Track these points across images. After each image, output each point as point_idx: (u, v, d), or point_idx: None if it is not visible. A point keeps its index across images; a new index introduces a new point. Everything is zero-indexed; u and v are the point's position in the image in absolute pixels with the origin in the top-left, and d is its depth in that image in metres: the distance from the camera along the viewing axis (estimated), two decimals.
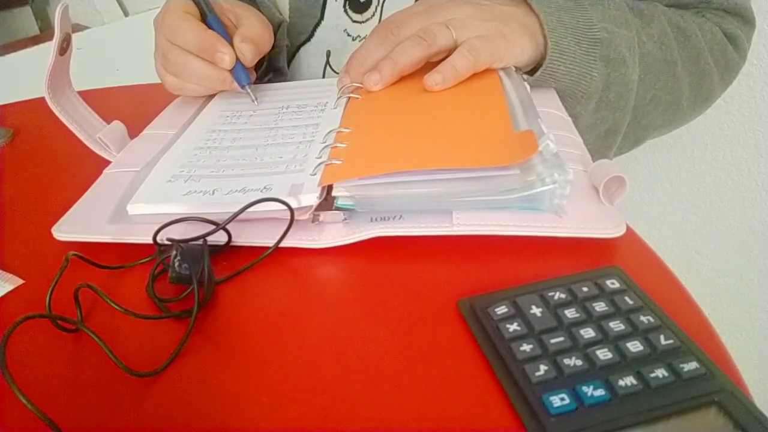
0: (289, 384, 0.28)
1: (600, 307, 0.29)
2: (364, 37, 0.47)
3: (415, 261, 0.35)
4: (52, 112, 0.45)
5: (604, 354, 0.26)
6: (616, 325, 0.28)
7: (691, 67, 0.52)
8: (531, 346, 0.27)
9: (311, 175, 0.38)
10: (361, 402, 0.27)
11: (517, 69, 0.46)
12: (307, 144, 0.43)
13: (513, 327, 0.28)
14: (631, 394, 0.25)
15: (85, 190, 0.42)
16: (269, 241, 0.36)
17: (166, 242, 0.34)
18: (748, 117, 0.78)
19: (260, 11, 0.56)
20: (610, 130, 0.52)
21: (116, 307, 0.31)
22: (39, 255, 0.38)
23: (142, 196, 0.39)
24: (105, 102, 0.52)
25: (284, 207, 0.35)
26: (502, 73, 0.44)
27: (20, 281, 0.36)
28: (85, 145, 0.47)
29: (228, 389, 0.28)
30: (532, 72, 0.47)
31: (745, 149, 0.80)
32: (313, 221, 0.37)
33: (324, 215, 0.36)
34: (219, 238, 0.35)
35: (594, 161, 0.38)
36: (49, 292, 0.32)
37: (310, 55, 0.61)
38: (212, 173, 0.41)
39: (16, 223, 0.43)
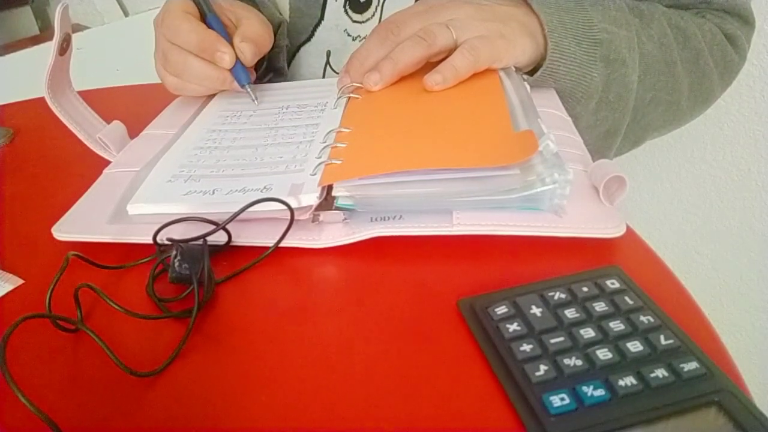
0: (289, 384, 0.28)
1: (600, 307, 0.29)
2: (365, 37, 0.47)
3: (415, 261, 0.35)
4: (52, 112, 0.45)
5: (604, 354, 0.26)
6: (616, 325, 0.28)
7: (691, 68, 0.52)
8: (531, 346, 0.27)
9: (311, 175, 0.38)
10: (361, 402, 0.27)
11: (517, 69, 0.46)
12: (307, 144, 0.43)
13: (513, 327, 0.28)
14: (631, 394, 0.25)
15: (85, 190, 0.42)
16: (269, 241, 0.36)
17: (166, 242, 0.34)
18: (748, 117, 0.78)
19: (260, 11, 0.56)
20: (609, 131, 0.52)
21: (116, 307, 0.31)
22: (39, 255, 0.38)
23: (142, 196, 0.39)
24: (105, 102, 0.52)
25: (284, 207, 0.35)
26: (502, 73, 0.44)
27: (20, 281, 0.36)
28: (85, 145, 0.47)
29: (228, 389, 0.28)
30: (532, 72, 0.47)
31: (745, 149, 0.81)
32: (313, 221, 0.37)
33: (324, 215, 0.36)
34: (219, 238, 0.35)
35: (594, 161, 0.38)
36: (49, 292, 0.32)
37: (311, 55, 0.61)
38: (212, 173, 0.41)
39: (16, 223, 0.43)
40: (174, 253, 0.33)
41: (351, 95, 0.46)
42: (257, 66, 0.56)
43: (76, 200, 0.41)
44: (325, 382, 0.28)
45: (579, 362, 0.26)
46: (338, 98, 0.48)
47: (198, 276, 0.32)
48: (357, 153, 0.39)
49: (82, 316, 0.32)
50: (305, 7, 0.59)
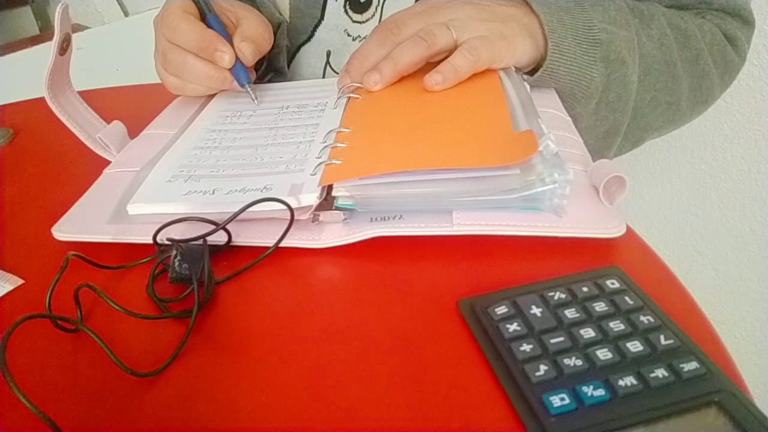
0: (289, 384, 0.28)
1: (600, 307, 0.29)
2: (365, 38, 0.47)
3: (415, 261, 0.35)
4: (52, 112, 0.45)
5: (604, 354, 0.26)
6: (616, 325, 0.28)
7: (691, 68, 0.52)
8: (531, 346, 0.27)
9: (311, 175, 0.38)
10: (361, 401, 0.27)
11: (517, 69, 0.46)
12: (307, 144, 0.43)
13: (513, 327, 0.28)
14: (631, 394, 0.25)
15: (85, 190, 0.42)
16: (269, 241, 0.36)
17: (166, 242, 0.34)
18: (748, 117, 0.78)
19: (260, 11, 0.56)
20: (609, 131, 0.52)
21: (116, 307, 0.31)
22: (39, 255, 0.38)
23: (142, 196, 0.39)
24: (105, 102, 0.52)
25: (284, 207, 0.35)
26: (502, 74, 0.44)
27: (20, 281, 0.36)
28: (85, 145, 0.47)
29: (228, 389, 0.28)
30: (532, 72, 0.47)
31: (745, 149, 0.81)
32: (313, 221, 0.37)
33: (324, 215, 0.36)
34: (219, 238, 0.35)
35: (594, 161, 0.38)
36: (49, 292, 0.32)
37: (311, 55, 0.61)
38: (212, 173, 0.41)
39: (16, 223, 0.43)
40: (174, 253, 0.33)
41: (351, 95, 0.46)
42: (257, 66, 0.56)
43: (76, 200, 0.41)
44: (324, 382, 0.28)
45: (579, 362, 0.26)
46: (338, 98, 0.48)
47: (198, 276, 0.32)
48: (357, 153, 0.39)
49: (82, 316, 0.32)
50: (305, 7, 0.59)
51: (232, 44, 0.49)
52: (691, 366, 0.25)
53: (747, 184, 0.83)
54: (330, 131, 0.42)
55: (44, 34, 1.71)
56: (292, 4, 0.60)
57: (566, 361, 0.26)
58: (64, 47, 0.44)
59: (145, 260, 0.36)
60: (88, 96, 0.48)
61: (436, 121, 0.40)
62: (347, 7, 0.57)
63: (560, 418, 0.24)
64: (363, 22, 0.57)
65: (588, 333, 0.27)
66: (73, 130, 0.46)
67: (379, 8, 0.56)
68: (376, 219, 0.36)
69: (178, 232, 0.35)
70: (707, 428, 0.24)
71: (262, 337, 0.31)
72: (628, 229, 0.34)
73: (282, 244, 0.36)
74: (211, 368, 0.29)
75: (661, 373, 0.25)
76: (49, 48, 0.43)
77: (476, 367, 0.28)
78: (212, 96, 0.55)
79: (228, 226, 0.35)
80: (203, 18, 0.50)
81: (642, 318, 0.28)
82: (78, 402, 0.28)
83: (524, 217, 0.34)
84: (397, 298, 0.32)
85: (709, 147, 0.83)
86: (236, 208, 0.35)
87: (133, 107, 0.60)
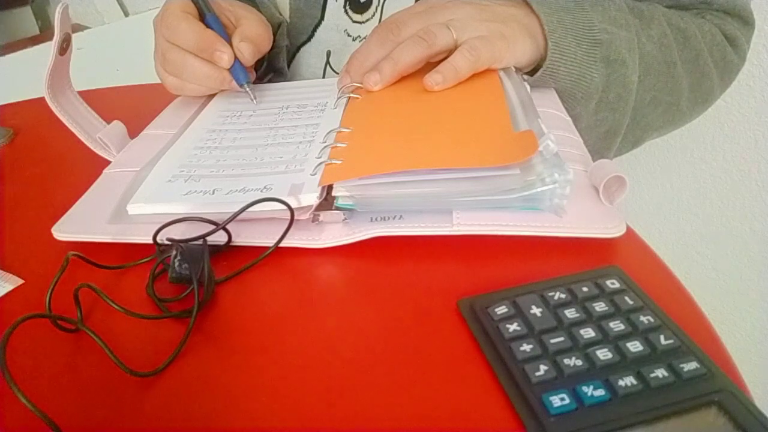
0: (289, 384, 0.28)
1: (600, 307, 0.29)
2: (365, 38, 0.47)
3: (415, 261, 0.35)
4: (52, 112, 0.45)
5: (604, 354, 0.26)
6: (616, 325, 0.28)
7: (691, 68, 0.52)
8: (531, 346, 0.27)
9: (311, 175, 0.38)
10: (361, 402, 0.27)
11: (517, 69, 0.46)
12: (307, 144, 0.43)
13: (513, 327, 0.28)
14: (631, 394, 0.25)
15: (85, 190, 0.42)
16: (269, 241, 0.36)
17: (166, 242, 0.34)
18: (748, 117, 0.78)
19: (260, 11, 0.56)
20: (609, 131, 0.52)
21: (116, 307, 0.31)
22: (39, 255, 0.38)
23: (142, 196, 0.39)
24: (105, 102, 0.52)
25: (284, 207, 0.35)
26: (502, 74, 0.44)
27: (20, 281, 0.36)
28: (85, 145, 0.47)
29: (228, 389, 0.28)
30: (532, 72, 0.47)
31: (745, 149, 0.81)
32: (313, 221, 0.37)
33: (324, 215, 0.36)
34: (219, 238, 0.35)
35: (594, 161, 0.38)
36: (49, 292, 0.32)
37: (311, 55, 0.61)
38: (212, 173, 0.41)
39: (16, 223, 0.43)
40: (174, 253, 0.33)
41: (351, 95, 0.46)
42: (257, 66, 0.56)
43: (76, 200, 0.41)
44: (324, 382, 0.28)
45: (579, 362, 0.26)
46: (338, 98, 0.48)
47: (198, 276, 0.32)
48: (357, 153, 0.39)
49: (82, 316, 0.32)
50: (305, 8, 0.59)
51: (231, 44, 0.49)
52: (691, 366, 0.25)
53: (747, 184, 0.83)
54: (330, 131, 0.42)
55: (44, 34, 1.71)
56: (292, 4, 0.60)
57: (566, 361, 0.26)
58: (64, 47, 0.44)
59: (145, 260, 0.36)
60: (88, 96, 0.48)
61: (436, 121, 0.40)
62: (347, 7, 0.57)
63: (560, 418, 0.24)
64: (363, 22, 0.57)
65: (588, 333, 0.27)
66: (73, 130, 0.46)
67: (379, 8, 0.56)
68: (376, 219, 0.36)
69: (178, 232, 0.35)
70: (707, 428, 0.24)
71: (262, 337, 0.31)
72: (628, 229, 0.34)
73: (282, 244, 0.36)
74: (211, 368, 0.29)
75: (661, 373, 0.25)
76: (49, 48, 0.43)
77: (476, 367, 0.28)
78: (212, 96, 0.55)
79: (228, 226, 0.35)
80: (202, 18, 0.50)
81: (642, 318, 0.28)
82: (78, 402, 0.28)
83: (524, 217, 0.34)
84: (397, 298, 0.32)
85: (709, 147, 0.83)
86: (236, 208, 0.35)
87: (133, 107, 0.60)
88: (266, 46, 0.52)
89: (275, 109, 0.51)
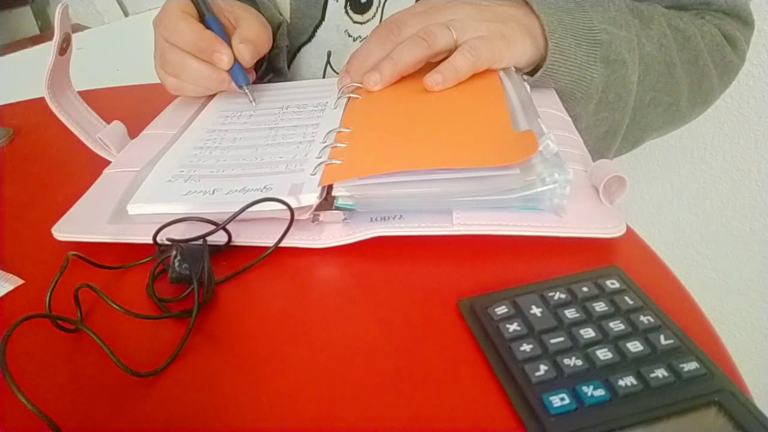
0: (289, 384, 0.28)
1: (600, 307, 0.29)
2: (365, 38, 0.47)
3: (415, 261, 0.35)
4: (52, 112, 0.45)
5: (604, 354, 0.26)
6: (616, 325, 0.28)
7: (690, 69, 0.52)
8: (531, 346, 0.27)
9: (311, 174, 0.38)
10: (361, 402, 0.27)
11: (517, 70, 0.46)
12: (307, 144, 0.43)
13: (513, 327, 0.28)
14: (631, 394, 0.25)
15: (85, 190, 0.42)
16: (269, 241, 0.36)
17: (166, 242, 0.34)
18: (748, 117, 0.78)
19: (260, 12, 0.56)
20: (609, 131, 0.52)
21: (116, 307, 0.31)
22: (39, 255, 0.38)
23: (142, 196, 0.39)
24: (105, 102, 0.52)
25: (284, 207, 0.35)
26: (502, 74, 0.44)
27: (20, 281, 0.36)
28: (85, 145, 0.47)
29: (228, 389, 0.28)
30: (532, 73, 0.47)
31: (745, 149, 0.81)
32: (313, 221, 0.37)
33: (324, 215, 0.36)
34: (219, 238, 0.35)
35: (594, 162, 0.38)
36: (49, 292, 0.32)
37: (311, 55, 0.61)
38: (212, 173, 0.41)
39: (16, 223, 0.43)
40: (174, 253, 0.33)
41: (351, 95, 0.46)
42: (257, 66, 0.56)
43: (76, 200, 0.41)
44: (324, 382, 0.28)
45: (579, 362, 0.26)
46: (338, 98, 0.48)
47: (198, 276, 0.32)
48: (357, 153, 0.39)
49: (82, 316, 0.32)
50: (306, 8, 0.59)
51: (230, 45, 0.49)
52: (691, 366, 0.26)
53: (747, 184, 0.83)
54: (330, 131, 0.42)
55: (44, 34, 1.71)
56: (293, 5, 0.60)
57: (566, 361, 0.26)
58: (64, 47, 0.44)
59: (145, 260, 0.36)
60: (88, 96, 0.48)
61: (436, 121, 0.40)
62: (348, 7, 0.57)
63: (560, 418, 0.24)
64: (364, 22, 0.57)
65: (588, 333, 0.27)
66: (73, 130, 0.46)
67: (380, 9, 0.56)
68: (376, 219, 0.36)
69: (178, 232, 0.35)
70: (707, 428, 0.24)
71: (262, 337, 0.31)
72: (628, 229, 0.34)
73: (282, 244, 0.36)
74: (211, 368, 0.29)
75: (661, 373, 0.25)
76: (49, 48, 0.43)
77: (476, 367, 0.28)
78: (212, 96, 0.55)
79: (228, 226, 0.35)
80: (202, 18, 0.50)
81: (642, 318, 0.28)
82: (78, 402, 0.28)
83: (524, 217, 0.34)
84: (397, 298, 0.32)
85: (709, 147, 0.83)
86: (236, 208, 0.35)
87: (133, 107, 0.60)
88: (266, 48, 0.52)
89: (275, 109, 0.51)
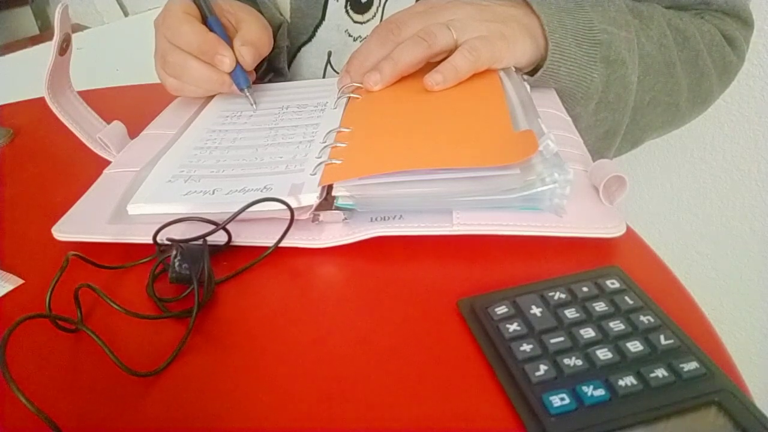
0: (289, 384, 0.28)
1: (600, 307, 0.29)
2: (366, 38, 0.47)
3: (415, 261, 0.35)
4: (52, 112, 0.45)
5: (604, 354, 0.26)
6: (616, 325, 0.28)
7: (690, 69, 0.52)
8: (531, 346, 0.27)
9: (311, 174, 0.38)
10: (361, 402, 0.27)
11: (518, 70, 0.46)
12: (307, 144, 0.43)
13: (513, 327, 0.28)
14: (631, 394, 0.25)
15: (85, 190, 0.42)
16: (269, 241, 0.36)
17: (166, 242, 0.34)
18: (748, 117, 0.78)
19: (261, 12, 0.56)
20: (609, 131, 0.52)
21: (116, 307, 0.31)
22: (39, 255, 0.38)
23: (142, 196, 0.39)
24: (105, 102, 0.52)
25: (284, 207, 0.35)
26: (502, 74, 0.44)
27: (20, 281, 0.36)
28: (85, 145, 0.47)
29: (228, 389, 0.28)
30: (532, 73, 0.47)
31: (745, 149, 0.81)
32: (313, 221, 0.37)
33: (324, 215, 0.36)
34: (219, 238, 0.35)
35: (594, 162, 0.38)
36: (49, 292, 0.32)
37: (311, 55, 0.61)
38: (212, 173, 0.41)
39: (16, 223, 0.43)
40: (174, 253, 0.33)
41: (351, 95, 0.46)
42: (258, 66, 0.56)
43: (76, 200, 0.41)
44: (324, 382, 0.28)
45: (579, 362, 0.26)
46: (338, 98, 0.48)
47: (198, 276, 0.32)
48: (357, 153, 0.39)
49: (82, 316, 0.32)
50: (306, 8, 0.59)
51: (232, 47, 0.49)
52: (691, 366, 0.26)
53: (747, 184, 0.83)
54: (330, 131, 0.42)
55: (44, 34, 1.71)
56: (293, 5, 0.60)
57: (566, 361, 0.26)
58: (64, 47, 0.44)
59: (145, 260, 0.36)
60: (88, 96, 0.48)
61: (436, 121, 0.40)
62: (348, 7, 0.57)
63: (560, 418, 0.24)
64: (364, 22, 0.57)
65: (588, 333, 0.27)
66: (73, 130, 0.46)
67: (380, 9, 0.56)
68: (376, 219, 0.36)
69: (178, 232, 0.35)
70: (707, 428, 0.24)
71: (262, 337, 0.31)
72: (628, 229, 0.34)
73: (282, 244, 0.36)
74: (211, 368, 0.29)
75: (661, 373, 0.25)
76: (49, 48, 0.43)
77: (476, 367, 0.28)
78: (212, 96, 0.55)
79: (228, 226, 0.35)
80: (204, 19, 0.50)
81: (642, 318, 0.28)
82: (78, 402, 0.28)
83: (524, 217, 0.34)
84: (397, 298, 0.32)
85: (709, 147, 0.83)
86: (236, 208, 0.35)
87: (133, 107, 0.60)
88: (267, 50, 0.52)
89: (275, 109, 0.51)
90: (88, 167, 0.45)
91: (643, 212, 0.94)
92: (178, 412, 0.27)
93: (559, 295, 0.30)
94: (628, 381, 0.25)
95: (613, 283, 0.30)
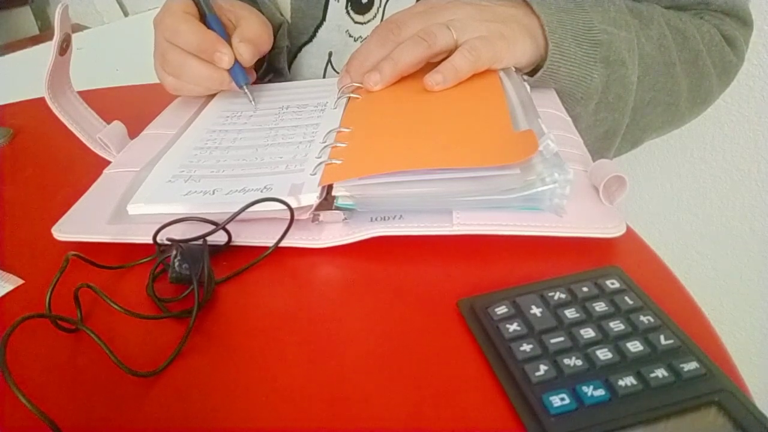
0: (289, 384, 0.28)
1: (600, 307, 0.29)
2: (366, 38, 0.47)
3: (415, 261, 0.35)
4: (52, 112, 0.45)
5: (604, 354, 0.26)
6: (616, 325, 0.28)
7: (690, 69, 0.52)
8: (531, 346, 0.27)
9: (311, 174, 0.38)
10: (361, 402, 0.27)
11: (518, 70, 0.46)
12: (307, 144, 0.43)
13: (513, 327, 0.28)
14: (631, 394, 0.25)
15: (85, 190, 0.42)
16: (269, 241, 0.36)
17: (166, 242, 0.34)
18: (748, 117, 0.78)
19: (261, 12, 0.56)
20: (609, 132, 0.52)
21: (116, 307, 0.31)
22: (39, 255, 0.38)
23: (142, 196, 0.39)
24: (105, 102, 0.52)
25: (284, 207, 0.35)
26: (502, 74, 0.44)
27: (20, 281, 0.36)
28: (85, 145, 0.47)
29: (228, 389, 0.28)
30: (532, 73, 0.47)
31: (745, 149, 0.81)
32: (313, 221, 0.37)
33: (324, 215, 0.36)
34: (219, 238, 0.35)
35: (594, 162, 0.38)
36: (49, 292, 0.32)
37: (312, 55, 0.61)
38: (212, 173, 0.41)
39: (16, 223, 0.43)
40: (174, 253, 0.33)
41: (351, 95, 0.46)
42: (258, 66, 0.56)
43: (76, 200, 0.41)
44: (324, 382, 0.28)
45: (579, 362, 0.26)
46: (338, 98, 0.48)
47: (198, 276, 0.32)
48: (357, 153, 0.39)
49: (82, 316, 0.32)
50: (307, 8, 0.59)
51: (231, 45, 0.49)
52: (691, 366, 0.26)
53: (747, 184, 0.83)
54: (330, 131, 0.42)
55: (44, 34, 1.71)
56: (294, 5, 0.60)
57: (566, 361, 0.26)
58: (64, 47, 0.44)
59: (145, 260, 0.36)
60: (88, 96, 0.48)
61: (436, 121, 0.40)
62: (349, 7, 0.57)
63: (560, 418, 0.24)
64: (365, 23, 0.57)
65: (588, 333, 0.27)
66: (73, 130, 0.46)
67: (381, 9, 0.56)
68: (376, 219, 0.36)
69: (178, 232, 0.35)
70: (707, 428, 0.24)
71: (262, 337, 0.31)
72: (628, 229, 0.34)
73: (282, 244, 0.36)
74: (211, 368, 0.29)
75: (661, 373, 0.25)
76: (49, 48, 0.43)
77: (476, 367, 0.28)
78: (212, 96, 0.55)
79: (228, 226, 0.35)
80: (203, 18, 0.50)
81: (642, 318, 0.28)
82: (78, 402, 0.28)
83: (524, 217, 0.34)
84: (397, 298, 0.32)
85: (709, 147, 0.83)
86: (236, 208, 0.35)
87: (133, 107, 0.60)
88: (266, 47, 0.52)
89: (275, 109, 0.51)
90: (88, 167, 0.45)
91: (643, 212, 0.94)
92: (178, 412, 0.27)
93: (559, 295, 0.30)
94: (628, 381, 0.25)
95: (613, 283, 0.30)
